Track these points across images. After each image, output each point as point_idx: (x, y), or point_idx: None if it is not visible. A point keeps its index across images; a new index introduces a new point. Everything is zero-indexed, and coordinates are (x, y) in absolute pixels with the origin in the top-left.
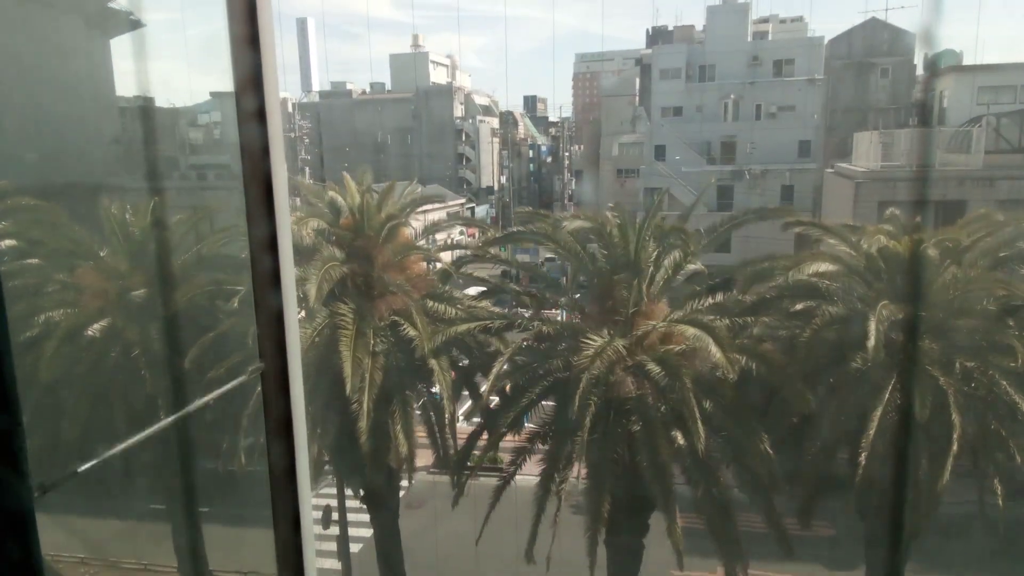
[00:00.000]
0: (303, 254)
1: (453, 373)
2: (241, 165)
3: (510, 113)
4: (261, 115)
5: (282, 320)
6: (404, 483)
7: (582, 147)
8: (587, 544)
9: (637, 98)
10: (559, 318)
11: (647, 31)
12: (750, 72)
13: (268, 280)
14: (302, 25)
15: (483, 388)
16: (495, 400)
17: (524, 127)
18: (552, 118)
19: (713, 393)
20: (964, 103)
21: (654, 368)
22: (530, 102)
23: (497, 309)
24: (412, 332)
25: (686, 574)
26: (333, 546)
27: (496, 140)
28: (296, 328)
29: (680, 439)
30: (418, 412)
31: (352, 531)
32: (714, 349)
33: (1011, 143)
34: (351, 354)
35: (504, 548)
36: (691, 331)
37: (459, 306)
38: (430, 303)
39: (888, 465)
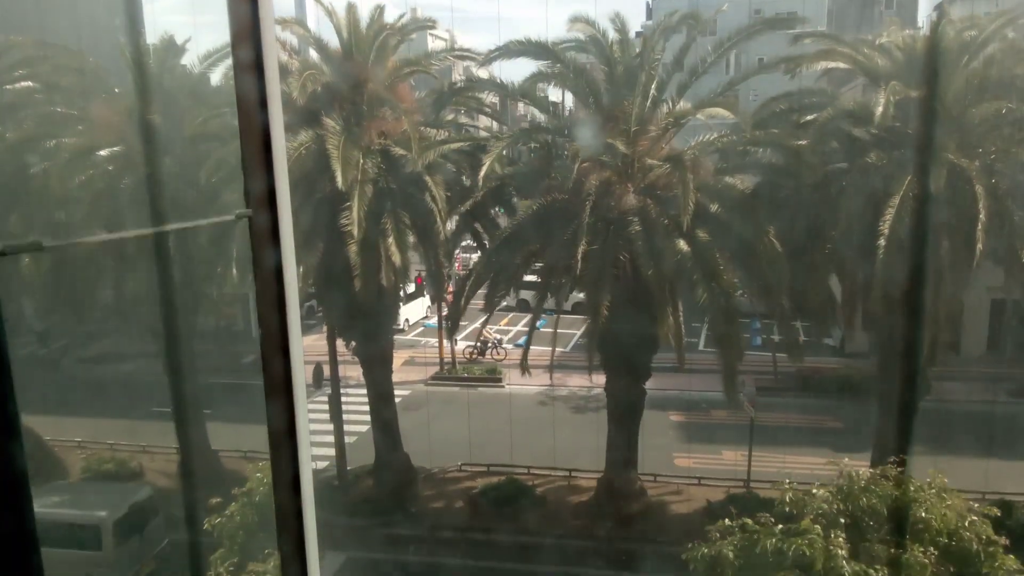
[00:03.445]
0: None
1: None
2: (237, 117)
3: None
4: (258, 66)
5: (283, 304)
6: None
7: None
8: (586, 344)
9: None
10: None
11: (647, 3)
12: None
13: (266, 238)
14: None
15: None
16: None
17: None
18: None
19: (721, 197)
20: None
21: (655, 163)
22: None
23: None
24: (402, 151)
25: (689, 456)
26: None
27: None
28: (295, 290)
29: (683, 245)
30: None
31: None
32: (729, 113)
33: None
34: (339, 154)
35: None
36: (707, 110)
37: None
38: (424, 128)
39: (907, 254)
